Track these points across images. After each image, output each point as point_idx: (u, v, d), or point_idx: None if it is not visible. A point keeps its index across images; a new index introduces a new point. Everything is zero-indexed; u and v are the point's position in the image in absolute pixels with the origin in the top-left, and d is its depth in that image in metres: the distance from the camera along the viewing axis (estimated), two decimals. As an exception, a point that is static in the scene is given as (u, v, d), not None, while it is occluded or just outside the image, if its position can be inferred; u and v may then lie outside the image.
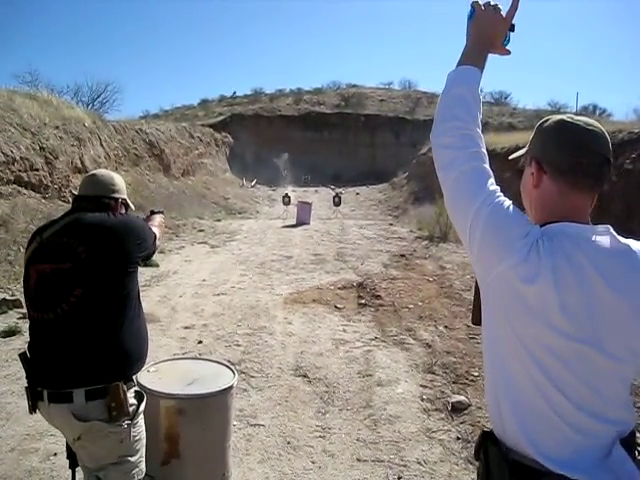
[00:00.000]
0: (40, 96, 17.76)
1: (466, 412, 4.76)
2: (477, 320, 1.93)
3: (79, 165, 16.15)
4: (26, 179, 12.93)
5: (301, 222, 18.28)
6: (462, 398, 4.94)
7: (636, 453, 1.46)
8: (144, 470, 2.49)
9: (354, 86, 53.69)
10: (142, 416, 2.47)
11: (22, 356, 2.42)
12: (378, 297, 8.32)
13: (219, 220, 18.59)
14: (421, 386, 5.25)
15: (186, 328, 6.70)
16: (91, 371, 2.28)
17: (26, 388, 2.40)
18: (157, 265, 10.22)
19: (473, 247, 1.47)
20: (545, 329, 1.38)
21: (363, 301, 8.18)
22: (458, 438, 4.34)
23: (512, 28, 1.67)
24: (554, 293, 1.36)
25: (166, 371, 3.31)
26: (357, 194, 30.75)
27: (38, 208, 12.53)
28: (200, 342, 6.21)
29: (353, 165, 38.81)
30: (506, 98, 50.48)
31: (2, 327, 6.34)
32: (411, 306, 7.89)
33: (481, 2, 1.66)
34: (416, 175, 28.33)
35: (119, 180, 2.69)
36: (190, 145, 29.35)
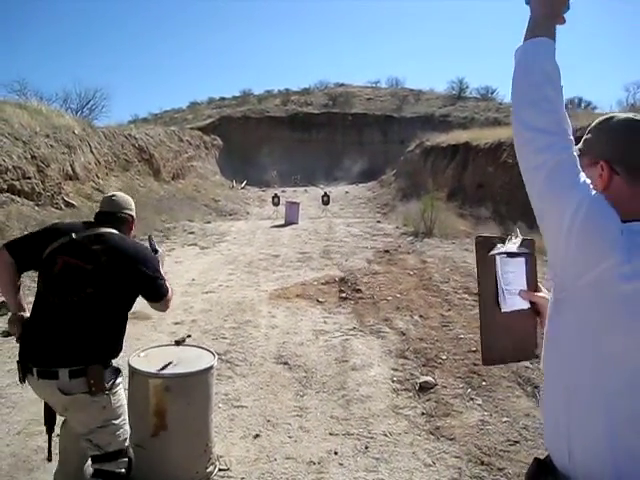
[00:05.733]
0: (30, 105, 18.07)
1: (432, 391, 5.21)
2: (489, 359, 1.93)
3: (70, 172, 16.44)
4: (19, 187, 13.24)
5: (290, 222, 18.66)
6: (429, 378, 5.40)
7: None
8: (128, 430, 2.97)
9: (341, 85, 54.16)
10: (121, 386, 2.95)
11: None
12: (359, 291, 8.79)
13: (209, 222, 18.95)
14: (392, 369, 5.71)
15: (176, 324, 7.14)
16: (75, 355, 2.72)
17: (17, 362, 2.83)
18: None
19: (570, 244, 1.35)
20: None
21: (344, 295, 8.64)
22: (423, 413, 4.80)
23: None
24: None
25: (154, 355, 3.75)
26: (346, 192, 31.17)
27: (31, 215, 12.90)
28: (189, 336, 6.62)
29: (342, 164, 39.18)
30: (492, 93, 50.77)
31: (2, 327, 6.74)
32: (390, 298, 8.36)
33: None
34: (404, 172, 28.78)
35: (131, 200, 3.24)
36: (179, 149, 29.46)
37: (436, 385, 5.30)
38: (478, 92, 50.90)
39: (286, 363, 5.87)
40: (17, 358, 2.86)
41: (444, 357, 5.94)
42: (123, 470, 2.87)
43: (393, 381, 5.44)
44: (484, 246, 1.82)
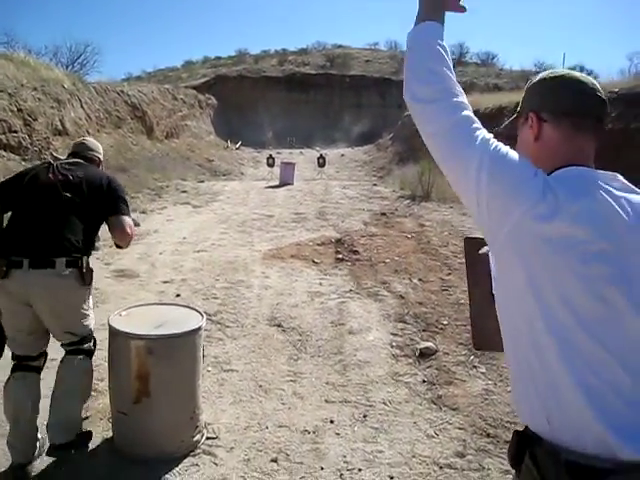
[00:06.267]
0: (17, 57, 17.51)
1: (433, 357, 4.95)
2: (480, 343, 2.00)
3: (59, 127, 15.98)
4: (5, 141, 12.86)
5: (285, 182, 18.29)
6: (430, 344, 5.13)
7: None
8: (94, 324, 3.40)
9: (339, 47, 53.18)
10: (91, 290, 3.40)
11: None
12: (356, 252, 8.49)
13: (202, 182, 18.56)
14: (391, 334, 5.44)
15: (165, 283, 6.84)
16: (69, 247, 3.13)
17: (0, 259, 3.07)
18: (138, 224, 10.30)
19: (482, 201, 1.36)
20: (573, 269, 1.27)
21: (340, 256, 8.33)
22: (424, 381, 4.54)
23: None
24: (579, 228, 1.28)
25: (138, 315, 3.46)
26: (342, 155, 30.68)
27: (18, 170, 12.52)
28: (178, 295, 6.35)
29: (339, 127, 38.64)
30: (493, 59, 50.11)
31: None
32: (387, 261, 8.06)
33: None
34: (401, 136, 28.28)
35: (100, 145, 3.85)
36: (173, 107, 28.85)
37: (437, 352, 5.04)
38: (478, 57, 50.31)
39: (280, 325, 5.59)
40: None
41: (445, 322, 5.66)
42: (93, 347, 3.38)
43: (392, 346, 5.17)
44: (473, 246, 1.89)
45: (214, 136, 33.81)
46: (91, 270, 3.28)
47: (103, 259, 7.55)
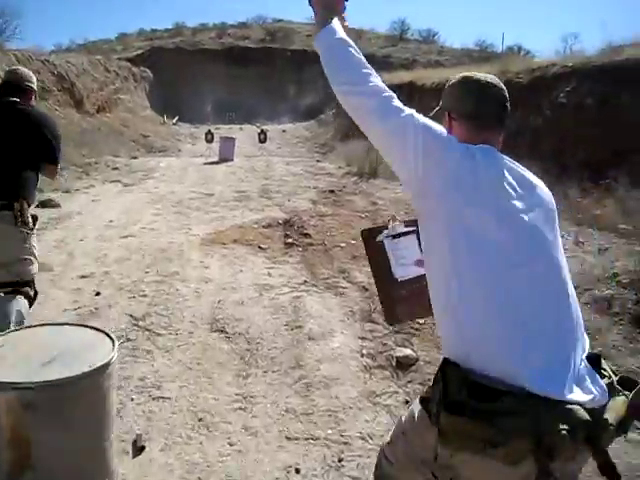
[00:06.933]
0: None
1: (413, 368, 4.04)
2: (391, 319, 2.42)
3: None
4: None
5: (224, 159, 17.12)
6: (408, 352, 4.21)
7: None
8: (36, 268, 3.63)
9: (280, 21, 51.91)
10: (35, 234, 3.61)
11: None
12: (306, 235, 7.48)
13: (136, 158, 17.26)
14: (360, 338, 4.49)
15: (83, 277, 5.70)
16: (2, 192, 3.33)
17: None
18: (58, 206, 9.04)
19: (418, 160, 1.59)
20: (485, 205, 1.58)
21: (290, 240, 7.31)
22: (407, 401, 3.61)
23: None
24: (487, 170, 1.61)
25: (18, 344, 2.38)
26: (283, 131, 29.54)
27: None
28: (98, 294, 5.25)
29: (279, 102, 37.55)
30: (434, 36, 49.79)
31: None
32: (343, 245, 7.10)
33: None
34: (344, 112, 26.87)
35: (32, 74, 3.81)
36: (105, 79, 27.21)
37: (417, 360, 4.13)
38: (420, 34, 49.86)
39: (223, 330, 4.56)
40: None
41: (421, 321, 4.74)
42: (32, 293, 3.59)
43: (363, 355, 4.22)
44: (370, 235, 2.25)
45: (150, 111, 32.53)
46: (34, 216, 3.54)
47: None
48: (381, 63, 38.30)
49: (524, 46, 41.19)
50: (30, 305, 3.57)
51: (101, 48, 44.76)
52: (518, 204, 1.57)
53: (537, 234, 1.59)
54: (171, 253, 6.64)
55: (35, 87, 3.78)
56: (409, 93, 20.87)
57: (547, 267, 1.59)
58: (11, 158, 3.39)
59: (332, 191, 11.38)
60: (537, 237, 1.59)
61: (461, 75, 1.82)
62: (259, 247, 6.99)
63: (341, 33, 1.75)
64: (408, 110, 1.63)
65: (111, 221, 8.33)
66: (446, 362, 1.55)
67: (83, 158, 15.00)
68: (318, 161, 17.78)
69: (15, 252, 3.41)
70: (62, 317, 4.71)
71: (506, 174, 1.61)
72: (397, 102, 1.64)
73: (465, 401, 1.42)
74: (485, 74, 1.79)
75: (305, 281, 5.80)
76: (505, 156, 1.69)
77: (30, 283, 3.55)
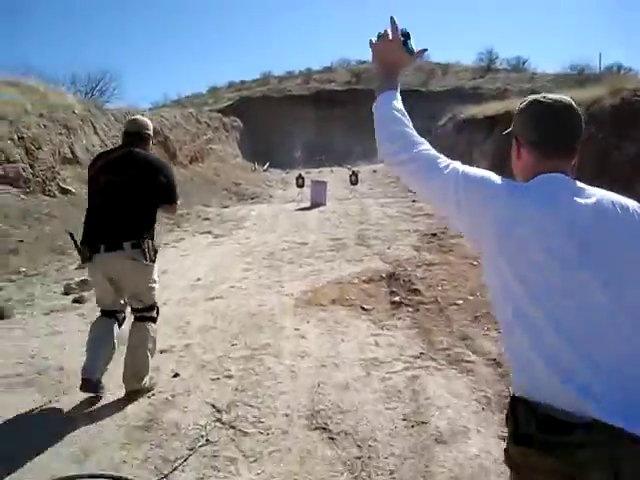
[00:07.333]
0: (22, 83, 16.14)
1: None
2: None
3: (69, 155, 14.62)
4: (1, 172, 11.36)
5: (316, 203, 16.51)
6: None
7: None
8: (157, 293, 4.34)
9: (364, 62, 52.08)
10: (157, 264, 4.23)
11: (72, 234, 4.27)
12: (415, 292, 6.48)
13: (227, 207, 16.92)
14: (502, 439, 3.44)
15: (162, 352, 4.91)
16: (131, 234, 3.95)
17: (83, 246, 4.01)
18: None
19: (462, 208, 1.60)
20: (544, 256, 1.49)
21: (397, 298, 6.33)
22: None
23: (407, 36, 1.91)
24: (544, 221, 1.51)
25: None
26: (374, 171, 28.75)
27: (15, 204, 11.06)
28: (176, 375, 4.44)
29: (368, 142, 37.01)
30: (524, 64, 48.89)
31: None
32: (460, 302, 6.05)
33: (373, 39, 1.96)
34: (435, 148, 26.26)
35: (150, 124, 4.38)
36: (197, 131, 27.87)
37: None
38: (508, 63, 49.26)
39: (325, 428, 3.58)
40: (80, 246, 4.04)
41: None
42: (156, 315, 4.29)
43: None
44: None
45: (240, 159, 33.08)
46: (155, 250, 4.11)
47: (87, 315, 5.73)
48: (470, 96, 37.55)
49: (625, 64, 39.57)
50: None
51: (193, 102, 46.38)
52: (569, 246, 1.48)
53: (587, 270, 1.47)
54: (262, 318, 5.80)
55: (152, 133, 4.32)
56: (506, 124, 19.85)
57: (609, 298, 1.45)
58: (138, 202, 3.98)
59: (434, 234, 10.32)
60: (587, 270, 1.47)
61: (529, 98, 1.76)
62: (362, 308, 6.05)
63: (396, 103, 1.88)
64: (449, 163, 1.68)
65: (198, 279, 7.67)
66: (514, 398, 1.52)
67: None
68: (414, 201, 16.75)
69: (146, 283, 4.09)
70: (132, 407, 3.95)
71: (563, 211, 1.52)
72: (438, 159, 1.70)
73: (534, 434, 1.38)
74: (559, 96, 1.70)
75: (421, 353, 4.79)
76: (582, 184, 1.60)
77: (154, 305, 4.24)
